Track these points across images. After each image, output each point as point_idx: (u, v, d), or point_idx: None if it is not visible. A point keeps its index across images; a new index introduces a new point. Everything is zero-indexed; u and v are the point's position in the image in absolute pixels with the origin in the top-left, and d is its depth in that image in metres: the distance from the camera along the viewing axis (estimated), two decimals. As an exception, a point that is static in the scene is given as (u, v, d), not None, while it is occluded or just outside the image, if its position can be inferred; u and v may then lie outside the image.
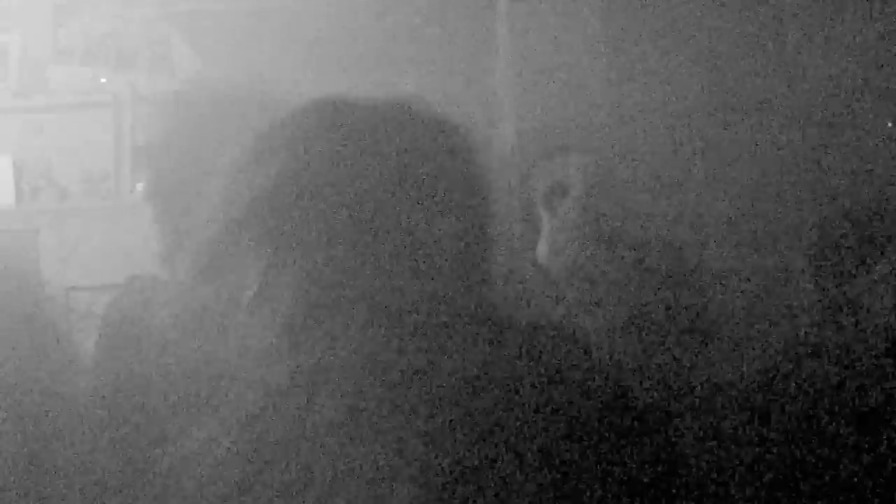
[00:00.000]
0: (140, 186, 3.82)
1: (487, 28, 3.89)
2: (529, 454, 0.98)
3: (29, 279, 2.72)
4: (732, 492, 1.61)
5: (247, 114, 1.73)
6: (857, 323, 1.46)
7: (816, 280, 1.86)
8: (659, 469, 1.07)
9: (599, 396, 1.07)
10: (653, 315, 2.36)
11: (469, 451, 0.97)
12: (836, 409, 1.60)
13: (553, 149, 2.74)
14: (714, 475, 1.60)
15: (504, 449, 0.98)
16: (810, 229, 2.89)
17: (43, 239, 3.76)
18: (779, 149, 3.42)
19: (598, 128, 3.36)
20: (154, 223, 1.75)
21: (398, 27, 3.90)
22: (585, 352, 1.14)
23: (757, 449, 1.64)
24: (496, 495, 0.96)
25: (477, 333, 1.05)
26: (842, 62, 3.48)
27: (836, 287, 1.48)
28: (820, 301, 1.85)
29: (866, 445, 1.56)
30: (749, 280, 3.31)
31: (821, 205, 3.27)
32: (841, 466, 1.56)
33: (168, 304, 1.75)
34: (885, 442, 1.50)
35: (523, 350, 1.06)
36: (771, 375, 1.84)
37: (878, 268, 1.19)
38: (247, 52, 3.88)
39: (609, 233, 2.55)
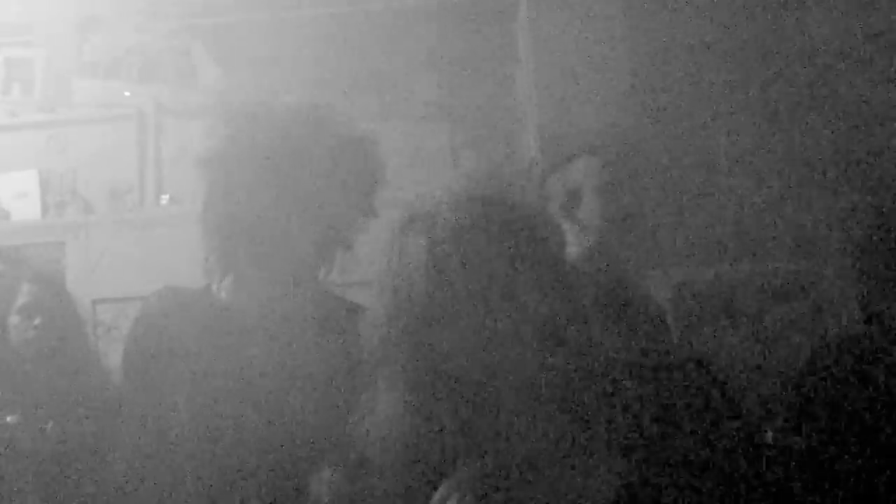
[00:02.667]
0: (165, 198, 3.84)
1: (509, 37, 3.89)
2: None
3: (56, 292, 2.75)
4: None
5: (306, 138, 1.75)
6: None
7: (861, 281, 1.85)
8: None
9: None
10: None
11: None
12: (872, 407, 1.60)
13: (563, 157, 2.76)
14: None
15: None
16: (850, 232, 2.88)
17: (69, 252, 3.78)
18: (806, 150, 3.40)
19: (620, 135, 3.35)
20: (207, 236, 1.76)
21: (420, 37, 3.90)
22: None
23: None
24: None
25: None
26: (879, 59, 3.46)
27: (881, 289, 1.47)
28: (862, 303, 1.84)
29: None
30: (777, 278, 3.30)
31: (852, 209, 3.25)
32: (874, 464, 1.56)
33: (203, 314, 1.76)
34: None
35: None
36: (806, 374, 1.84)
37: None
38: (269, 64, 3.89)
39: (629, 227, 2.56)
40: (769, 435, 2.05)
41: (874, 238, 1.81)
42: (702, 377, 1.18)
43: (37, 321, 2.62)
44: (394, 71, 3.97)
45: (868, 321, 1.89)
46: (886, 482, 1.29)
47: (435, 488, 1.15)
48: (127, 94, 4.00)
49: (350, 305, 1.96)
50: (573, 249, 2.67)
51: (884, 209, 2.00)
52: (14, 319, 2.63)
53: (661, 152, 3.41)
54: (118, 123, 3.96)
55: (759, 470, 1.14)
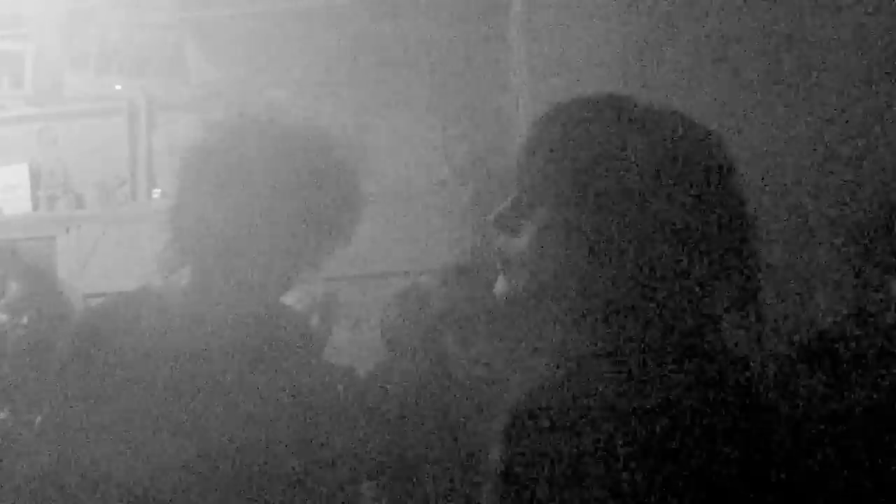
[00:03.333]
0: (157, 192, 3.82)
1: (501, 30, 3.88)
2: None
3: (47, 286, 2.74)
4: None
5: (287, 158, 1.75)
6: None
7: (857, 276, 1.85)
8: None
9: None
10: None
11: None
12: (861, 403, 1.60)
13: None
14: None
15: None
16: (847, 228, 2.88)
17: (60, 246, 3.77)
18: (801, 147, 3.40)
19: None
20: (171, 229, 1.76)
21: (412, 31, 3.89)
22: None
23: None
24: None
25: None
26: (874, 55, 3.46)
27: (876, 284, 1.48)
28: (857, 297, 1.84)
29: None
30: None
31: (844, 204, 3.26)
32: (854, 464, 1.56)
33: (167, 315, 1.76)
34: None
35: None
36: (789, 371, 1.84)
37: None
38: (260, 57, 3.88)
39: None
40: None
41: (865, 239, 1.82)
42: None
43: (24, 319, 2.60)
44: (385, 65, 3.96)
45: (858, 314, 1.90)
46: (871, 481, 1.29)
47: None
48: (118, 87, 3.99)
49: (299, 321, 1.98)
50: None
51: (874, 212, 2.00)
52: (1, 318, 2.62)
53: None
54: (109, 117, 3.96)
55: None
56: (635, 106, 1.19)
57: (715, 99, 3.43)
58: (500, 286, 1.17)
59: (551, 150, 1.16)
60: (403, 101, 3.94)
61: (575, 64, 3.51)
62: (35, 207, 3.88)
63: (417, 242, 3.67)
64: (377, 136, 3.80)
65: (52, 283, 2.82)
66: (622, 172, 1.08)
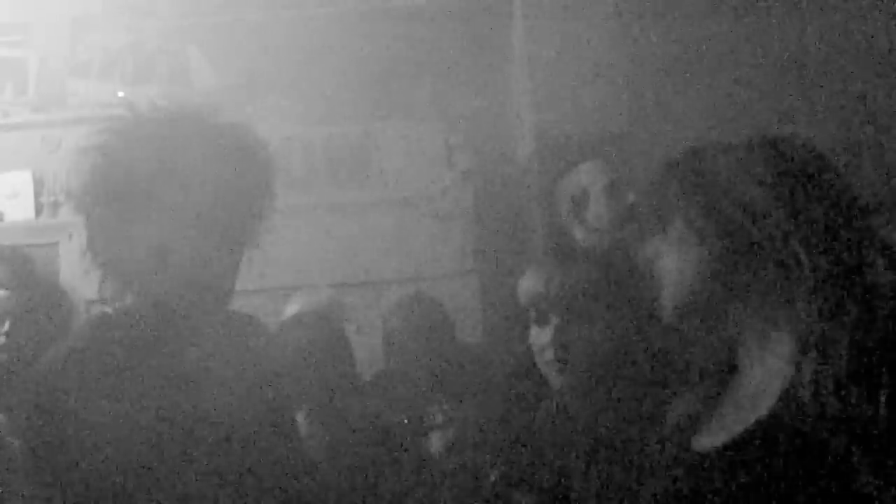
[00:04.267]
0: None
1: (504, 37, 3.89)
2: None
3: (49, 292, 2.73)
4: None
5: (183, 151, 1.71)
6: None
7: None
8: None
9: None
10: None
11: None
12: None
13: (565, 165, 2.82)
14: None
15: None
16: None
17: (62, 252, 3.77)
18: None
19: (616, 138, 3.36)
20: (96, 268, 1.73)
21: (416, 38, 3.90)
22: None
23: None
24: None
25: None
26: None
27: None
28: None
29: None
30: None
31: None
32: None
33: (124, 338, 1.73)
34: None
35: None
36: None
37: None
38: (263, 64, 3.89)
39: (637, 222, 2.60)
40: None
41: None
42: None
43: (5, 327, 2.61)
44: (389, 71, 3.97)
45: None
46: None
47: None
48: (121, 94, 3.99)
49: (252, 321, 1.94)
50: (583, 249, 2.71)
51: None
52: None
53: (658, 152, 3.41)
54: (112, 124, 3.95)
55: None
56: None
57: (714, 104, 3.43)
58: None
59: (687, 180, 1.35)
60: (406, 108, 3.94)
61: (577, 72, 3.52)
62: (38, 214, 3.88)
63: (420, 249, 3.66)
64: (380, 143, 3.80)
65: (37, 290, 2.80)
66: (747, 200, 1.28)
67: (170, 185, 1.65)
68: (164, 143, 1.71)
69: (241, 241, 1.77)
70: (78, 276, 3.67)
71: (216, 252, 1.71)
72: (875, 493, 1.08)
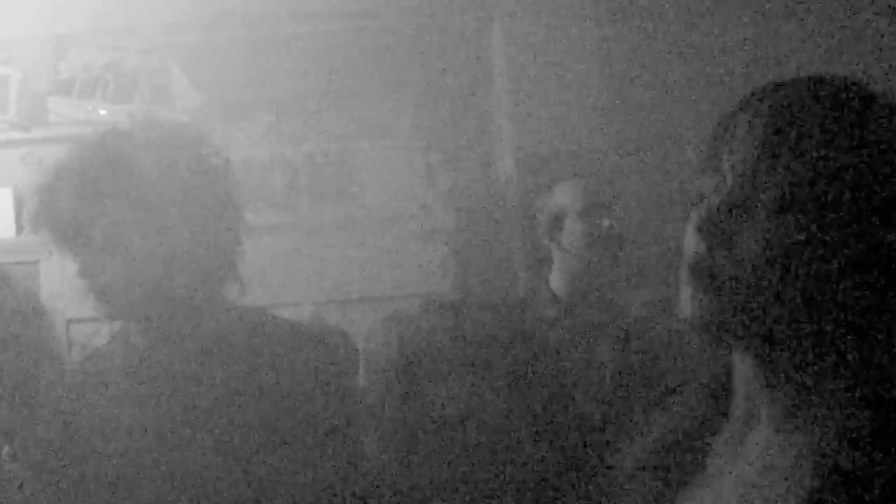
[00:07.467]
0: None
1: (484, 55, 3.91)
2: None
3: (30, 311, 2.72)
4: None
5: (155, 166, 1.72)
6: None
7: None
8: None
9: None
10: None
11: None
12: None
13: (545, 182, 2.83)
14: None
15: None
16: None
17: (43, 271, 3.75)
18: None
19: (597, 155, 3.38)
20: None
21: (395, 56, 3.92)
22: None
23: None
24: None
25: None
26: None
27: None
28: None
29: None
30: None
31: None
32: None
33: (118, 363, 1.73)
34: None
35: None
36: None
37: None
38: (245, 83, 3.90)
39: (611, 248, 2.61)
40: None
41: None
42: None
43: None
44: (369, 90, 3.98)
45: None
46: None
47: None
48: (103, 112, 3.99)
49: (267, 319, 1.94)
50: (557, 272, 2.74)
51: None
52: None
53: (639, 172, 3.43)
54: (94, 142, 3.95)
55: None
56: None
57: (696, 121, 3.45)
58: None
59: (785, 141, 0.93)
60: (387, 127, 3.96)
61: (557, 90, 3.53)
62: (18, 232, 3.87)
63: (401, 267, 3.67)
64: (361, 162, 3.81)
65: (37, 306, 2.80)
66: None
67: (132, 197, 1.66)
68: (119, 155, 1.72)
69: (219, 266, 1.78)
70: (58, 295, 3.67)
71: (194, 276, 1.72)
72: None
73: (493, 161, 3.91)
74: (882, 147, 0.91)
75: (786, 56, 3.54)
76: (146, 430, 1.64)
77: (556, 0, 3.58)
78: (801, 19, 3.57)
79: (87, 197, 1.67)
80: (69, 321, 3.46)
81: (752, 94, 1.01)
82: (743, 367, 0.99)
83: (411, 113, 3.99)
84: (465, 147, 3.89)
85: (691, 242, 0.97)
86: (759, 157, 0.93)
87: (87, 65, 4.05)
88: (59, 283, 3.78)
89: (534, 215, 2.84)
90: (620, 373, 2.45)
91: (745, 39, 3.62)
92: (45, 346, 2.67)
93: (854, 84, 0.98)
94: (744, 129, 0.96)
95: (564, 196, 2.75)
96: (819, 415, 0.91)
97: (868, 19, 3.50)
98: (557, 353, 2.51)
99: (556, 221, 2.73)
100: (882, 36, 3.46)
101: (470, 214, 3.78)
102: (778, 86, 1.00)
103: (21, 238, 3.85)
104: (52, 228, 1.70)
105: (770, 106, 0.97)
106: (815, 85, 0.98)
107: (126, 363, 1.75)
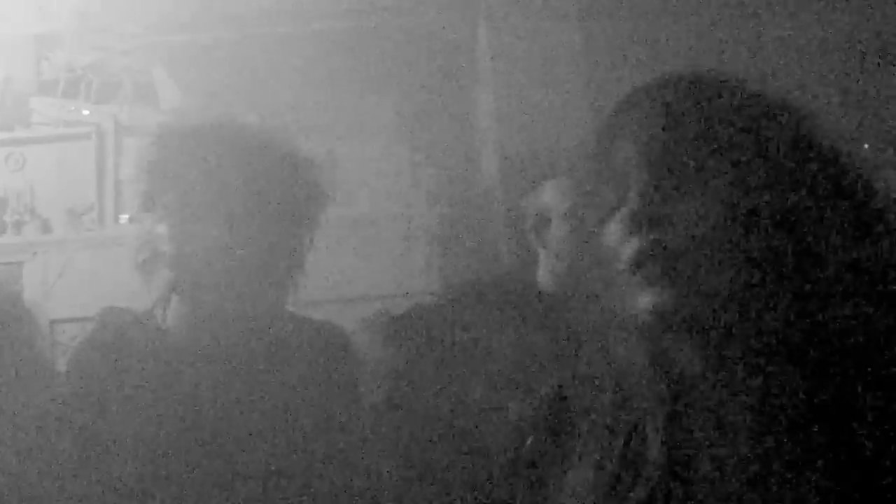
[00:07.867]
0: (124, 218, 3.81)
1: (469, 56, 3.91)
2: None
3: (13, 312, 2.71)
4: None
5: (249, 160, 1.75)
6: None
7: None
8: None
9: None
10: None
11: None
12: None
13: (530, 182, 2.83)
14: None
15: None
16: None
17: (27, 272, 3.75)
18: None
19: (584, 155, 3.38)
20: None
21: (380, 57, 3.92)
22: None
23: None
24: None
25: None
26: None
27: None
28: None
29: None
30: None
31: None
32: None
33: (146, 340, 1.74)
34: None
35: None
36: None
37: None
38: (229, 83, 3.89)
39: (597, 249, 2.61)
40: None
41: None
42: None
43: None
44: (353, 91, 3.99)
45: None
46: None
47: None
48: (86, 112, 3.98)
49: (318, 325, 1.96)
50: (544, 271, 2.73)
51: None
52: None
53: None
54: (77, 142, 3.94)
55: None
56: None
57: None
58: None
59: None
60: (372, 128, 3.96)
61: (542, 89, 3.54)
62: (1, 232, 3.86)
63: (386, 267, 3.67)
64: (346, 162, 3.81)
65: (19, 307, 2.79)
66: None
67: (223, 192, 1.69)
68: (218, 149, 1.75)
69: (288, 263, 1.80)
70: (42, 295, 3.65)
71: (262, 269, 1.74)
72: None
73: (477, 161, 3.92)
74: (764, 140, 0.99)
75: (771, 54, 3.56)
76: (171, 410, 1.65)
77: (540, 1, 3.59)
78: (792, 16, 3.59)
79: (197, 178, 1.70)
80: (53, 322, 3.45)
81: (635, 93, 1.10)
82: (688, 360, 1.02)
83: (395, 114, 4.00)
84: (450, 148, 3.89)
85: (619, 240, 1.04)
86: (651, 156, 1.00)
87: (70, 65, 4.04)
88: (42, 284, 3.78)
89: (520, 215, 2.83)
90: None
91: (729, 39, 3.63)
92: (29, 347, 2.66)
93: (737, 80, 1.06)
94: (633, 129, 1.04)
95: (550, 197, 2.74)
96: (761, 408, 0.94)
97: None
98: (544, 351, 2.51)
99: (543, 221, 2.72)
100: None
101: (454, 214, 3.78)
102: (661, 83, 1.09)
103: (5, 239, 3.84)
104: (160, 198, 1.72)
105: (660, 103, 1.05)
106: (697, 82, 1.08)
107: (149, 339, 1.76)
